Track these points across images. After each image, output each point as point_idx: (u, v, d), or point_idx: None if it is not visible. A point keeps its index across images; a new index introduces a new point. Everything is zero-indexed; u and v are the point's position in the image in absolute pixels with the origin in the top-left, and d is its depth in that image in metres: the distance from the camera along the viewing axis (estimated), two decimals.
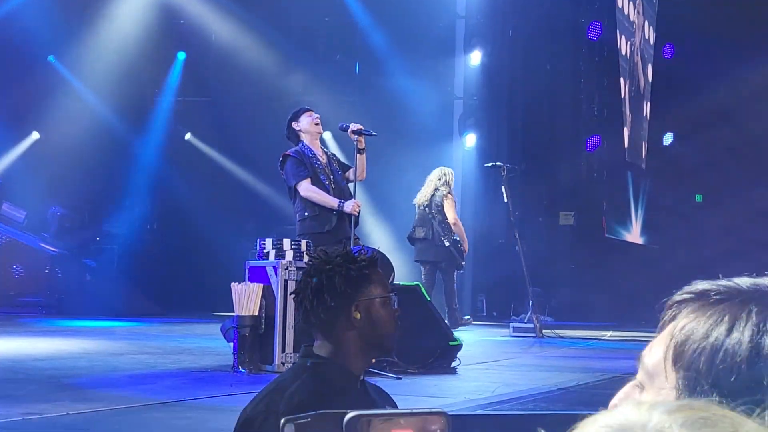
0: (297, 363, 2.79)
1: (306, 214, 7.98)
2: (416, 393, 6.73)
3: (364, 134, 8.14)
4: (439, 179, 11.67)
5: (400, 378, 7.43)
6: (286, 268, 7.64)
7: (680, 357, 0.98)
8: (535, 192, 16.72)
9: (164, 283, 15.64)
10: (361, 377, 2.71)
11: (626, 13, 19.34)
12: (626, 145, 19.42)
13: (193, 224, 16.15)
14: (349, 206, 7.90)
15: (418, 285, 8.71)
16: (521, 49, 17.15)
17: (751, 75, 18.47)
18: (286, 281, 7.59)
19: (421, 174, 12.52)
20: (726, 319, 0.97)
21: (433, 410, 0.87)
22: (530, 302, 12.31)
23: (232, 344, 7.75)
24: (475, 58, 16.54)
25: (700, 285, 1.03)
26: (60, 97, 16.37)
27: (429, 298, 8.78)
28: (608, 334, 12.45)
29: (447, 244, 11.37)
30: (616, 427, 0.74)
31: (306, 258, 7.45)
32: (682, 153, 20.28)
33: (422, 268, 11.77)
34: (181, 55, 17.37)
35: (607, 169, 18.76)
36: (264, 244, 7.95)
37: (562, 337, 11.89)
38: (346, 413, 0.85)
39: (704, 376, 0.96)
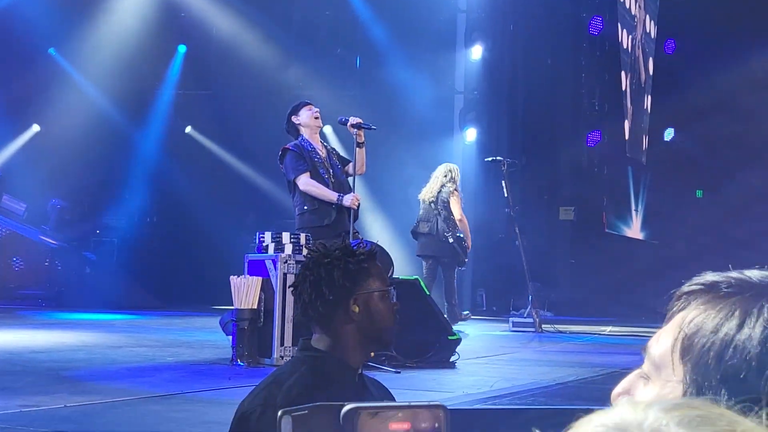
0: (295, 356, 2.78)
1: (305, 207, 7.96)
2: (414, 387, 6.73)
3: (363, 128, 8.12)
4: (445, 176, 11.62)
5: (399, 372, 7.43)
6: (285, 262, 7.64)
7: (688, 350, 0.97)
8: (535, 187, 16.72)
9: (164, 276, 15.64)
10: (360, 371, 2.70)
11: (628, 6, 19.34)
12: (627, 138, 19.42)
13: (193, 217, 16.14)
14: (348, 200, 7.88)
15: (417, 279, 8.71)
16: (522, 43, 17.13)
17: (752, 69, 18.46)
18: (285, 275, 7.60)
19: (422, 168, 12.48)
20: (737, 313, 0.96)
21: (432, 403, 0.86)
22: (530, 297, 12.32)
23: (230, 337, 7.76)
24: (476, 52, 16.52)
25: (710, 276, 1.01)
26: (60, 89, 16.35)
27: (428, 293, 8.78)
28: (607, 329, 12.46)
29: (450, 240, 11.36)
30: (612, 426, 0.73)
31: (305, 251, 7.45)
32: (682, 148, 20.29)
33: (424, 262, 11.76)
34: (182, 48, 17.36)
35: (608, 164, 18.76)
36: (263, 237, 7.94)
37: (561, 332, 11.90)
38: (343, 405, 0.84)
39: (713, 371, 0.95)
